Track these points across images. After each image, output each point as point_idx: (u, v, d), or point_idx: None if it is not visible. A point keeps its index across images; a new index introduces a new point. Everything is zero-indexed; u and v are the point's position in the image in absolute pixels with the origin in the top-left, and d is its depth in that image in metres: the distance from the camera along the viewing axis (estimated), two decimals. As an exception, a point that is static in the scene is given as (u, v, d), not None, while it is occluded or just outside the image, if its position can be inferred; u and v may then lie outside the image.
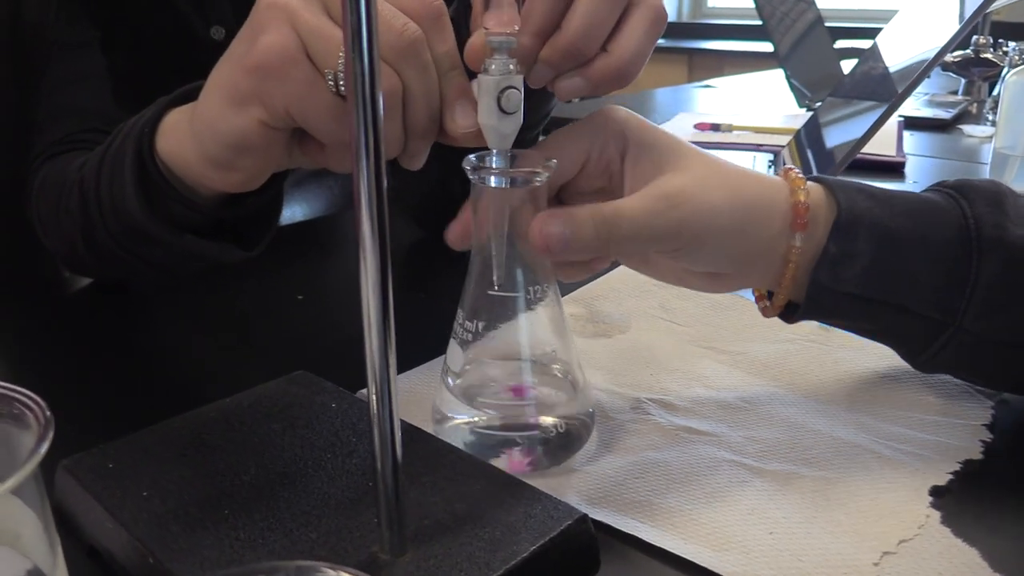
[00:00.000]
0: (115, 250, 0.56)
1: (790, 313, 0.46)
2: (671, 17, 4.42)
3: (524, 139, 0.44)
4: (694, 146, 0.44)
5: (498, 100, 0.39)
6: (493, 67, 0.39)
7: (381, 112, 0.29)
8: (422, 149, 0.43)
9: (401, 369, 0.53)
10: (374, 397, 0.30)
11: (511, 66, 0.39)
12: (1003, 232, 0.42)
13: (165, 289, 0.69)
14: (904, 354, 0.47)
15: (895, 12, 1.05)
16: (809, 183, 0.44)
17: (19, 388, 0.25)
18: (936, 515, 0.38)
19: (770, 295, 0.47)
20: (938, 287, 0.43)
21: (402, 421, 0.41)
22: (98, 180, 0.55)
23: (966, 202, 0.44)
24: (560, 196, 0.46)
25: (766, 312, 0.47)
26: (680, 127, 1.33)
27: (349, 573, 0.19)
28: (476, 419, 0.42)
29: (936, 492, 0.40)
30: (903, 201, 0.44)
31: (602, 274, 0.66)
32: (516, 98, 0.39)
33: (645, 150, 0.43)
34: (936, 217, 0.44)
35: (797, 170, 0.45)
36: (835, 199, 0.44)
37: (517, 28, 0.39)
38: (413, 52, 0.40)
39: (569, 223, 0.40)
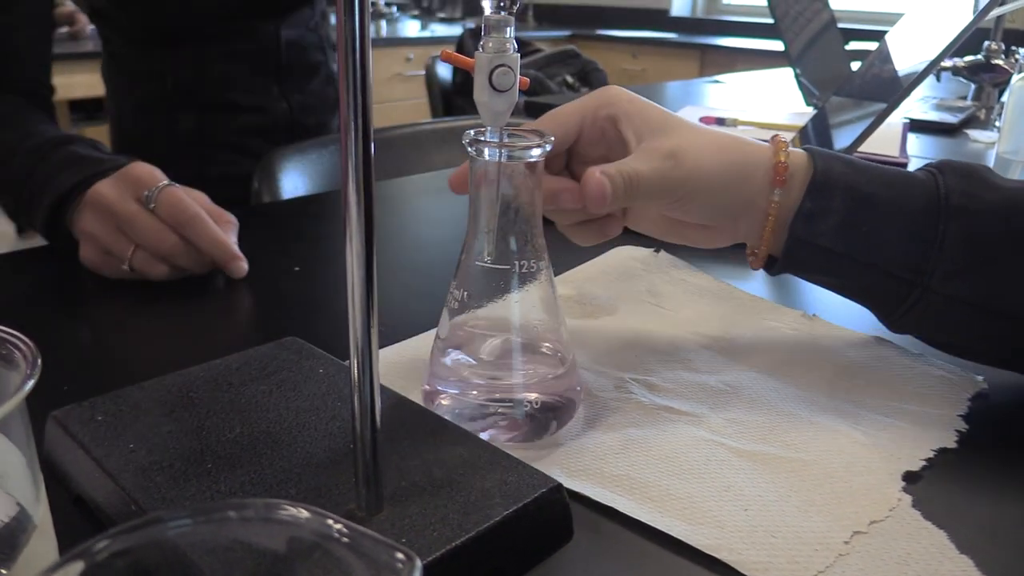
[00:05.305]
0: None
1: (772, 266, 0.51)
2: (686, 12, 4.45)
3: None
4: (679, 117, 0.49)
5: (489, 78, 0.39)
6: (490, 45, 0.40)
7: (371, 86, 0.29)
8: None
9: (399, 339, 0.54)
10: (356, 359, 0.31)
11: (508, 45, 0.40)
12: (969, 200, 0.46)
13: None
14: (879, 314, 0.50)
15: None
16: (793, 149, 0.48)
17: (7, 329, 0.26)
18: (907, 499, 0.39)
19: None
20: (907, 248, 0.46)
21: (388, 389, 0.42)
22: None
23: (941, 176, 0.47)
24: (569, 165, 0.51)
25: (752, 264, 0.51)
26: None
27: (309, 511, 0.20)
28: (464, 391, 0.43)
29: (909, 477, 0.41)
30: (880, 171, 0.48)
31: (592, 257, 0.67)
32: (508, 76, 0.40)
33: (636, 116, 0.48)
34: (910, 187, 0.47)
35: (782, 136, 0.49)
36: (813, 162, 0.48)
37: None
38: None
39: (611, 178, 0.45)
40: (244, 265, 0.64)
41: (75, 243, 0.65)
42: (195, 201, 0.64)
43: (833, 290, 0.51)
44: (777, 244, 0.49)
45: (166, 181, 0.64)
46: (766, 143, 0.49)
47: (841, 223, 0.47)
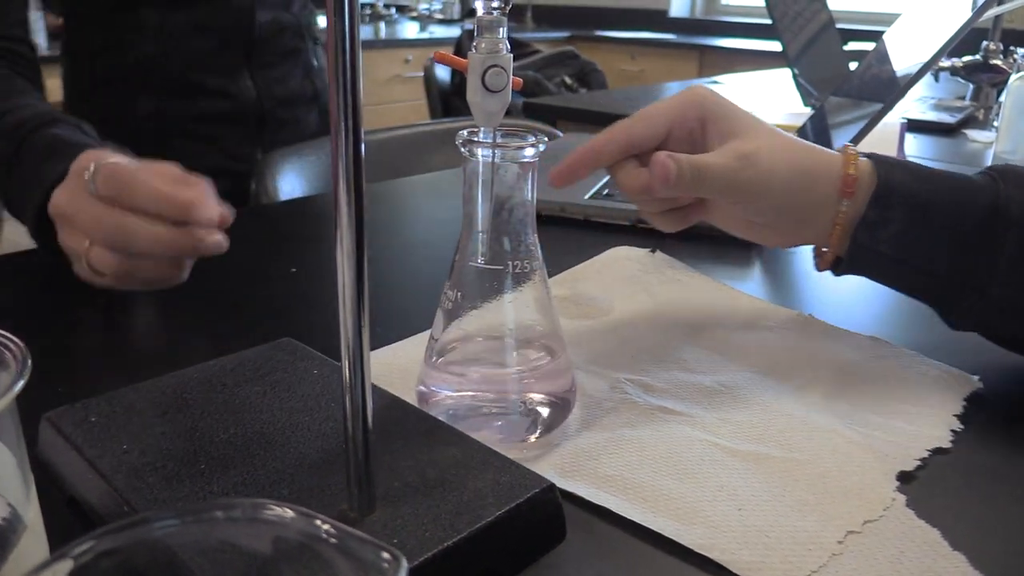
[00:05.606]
0: None
1: (838, 266, 0.53)
2: (685, 13, 4.44)
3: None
4: (762, 120, 0.52)
5: (482, 78, 0.39)
6: (483, 45, 0.40)
7: (360, 85, 0.29)
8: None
9: (394, 340, 0.54)
10: (347, 360, 0.31)
11: (501, 45, 0.40)
12: None
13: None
14: (939, 314, 0.52)
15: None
16: (861, 158, 0.50)
17: (-3, 329, 0.26)
18: (902, 498, 0.39)
19: None
20: (965, 254, 0.48)
21: (382, 390, 0.42)
22: None
23: (1003, 183, 0.49)
24: None
25: (818, 266, 0.54)
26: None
27: (295, 511, 0.20)
28: (457, 392, 0.43)
29: (903, 477, 0.41)
30: (941, 178, 0.50)
31: (588, 257, 0.67)
32: (501, 77, 0.40)
33: (722, 119, 0.51)
34: (970, 194, 0.49)
35: (853, 147, 0.51)
36: (876, 171, 0.50)
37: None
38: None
39: (677, 163, 0.48)
40: (208, 212, 0.55)
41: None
42: (151, 172, 0.56)
43: (896, 289, 0.53)
44: (843, 248, 0.51)
45: (109, 160, 0.56)
46: (836, 152, 0.51)
47: (900, 231, 0.49)
